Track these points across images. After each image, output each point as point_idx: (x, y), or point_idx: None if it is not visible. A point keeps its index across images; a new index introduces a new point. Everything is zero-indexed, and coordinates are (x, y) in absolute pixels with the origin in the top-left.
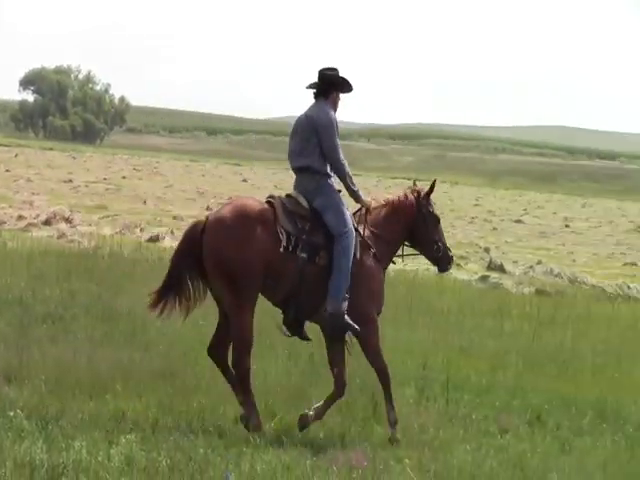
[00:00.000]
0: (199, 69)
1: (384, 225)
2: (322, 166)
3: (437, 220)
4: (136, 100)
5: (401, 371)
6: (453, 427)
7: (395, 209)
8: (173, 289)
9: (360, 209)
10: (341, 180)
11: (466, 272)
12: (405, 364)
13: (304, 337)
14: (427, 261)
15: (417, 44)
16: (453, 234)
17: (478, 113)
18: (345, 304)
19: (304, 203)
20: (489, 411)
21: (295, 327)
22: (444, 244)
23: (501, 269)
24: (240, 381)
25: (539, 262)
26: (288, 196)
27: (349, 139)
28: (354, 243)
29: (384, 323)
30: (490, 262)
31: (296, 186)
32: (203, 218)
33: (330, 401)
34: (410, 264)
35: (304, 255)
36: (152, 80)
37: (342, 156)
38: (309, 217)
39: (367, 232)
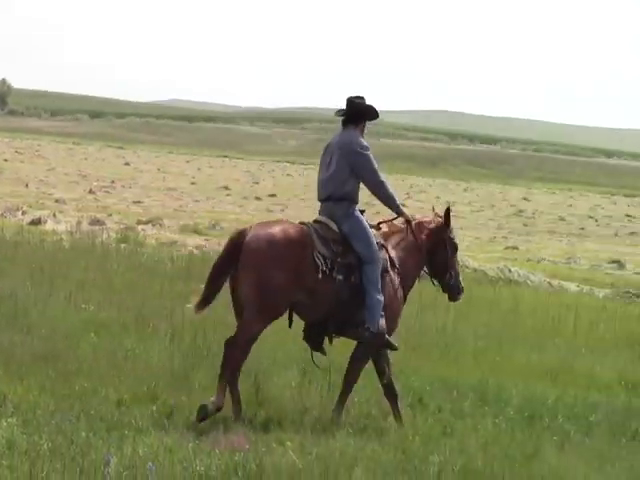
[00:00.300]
0: (83, 52)
1: (410, 247)
2: (353, 194)
3: (456, 248)
4: (19, 83)
5: (284, 355)
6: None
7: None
8: (216, 292)
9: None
10: (383, 201)
11: None
12: (288, 348)
13: (323, 352)
14: None
15: (302, 28)
16: None
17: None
18: (383, 321)
19: (334, 228)
20: (371, 394)
21: (318, 342)
22: (457, 273)
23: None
24: (224, 372)
25: None
26: (317, 222)
27: (232, 122)
28: (381, 264)
29: None
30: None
31: (322, 212)
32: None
33: (397, 412)
34: None
35: (340, 277)
36: (37, 63)
37: (382, 177)
38: (340, 240)
39: (394, 252)
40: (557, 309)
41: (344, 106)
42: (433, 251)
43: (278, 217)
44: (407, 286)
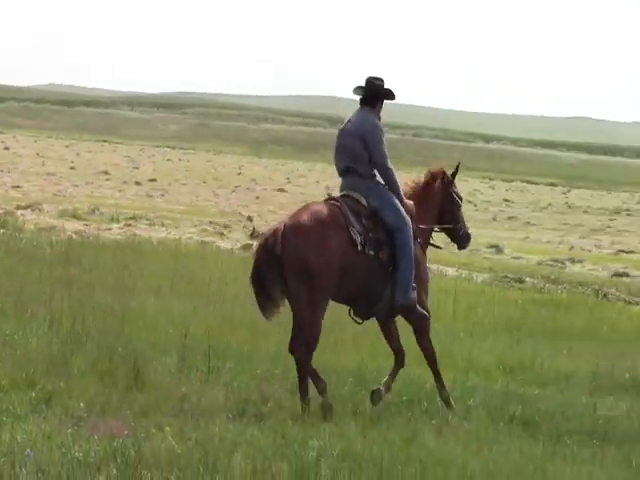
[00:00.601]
0: None
1: (420, 213)
2: (368, 170)
3: (461, 199)
4: None
5: (163, 340)
6: (215, 395)
7: (426, 195)
8: (267, 295)
9: None
10: (389, 186)
11: (229, 241)
12: (167, 333)
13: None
14: (191, 231)
15: (180, 11)
16: (216, 203)
17: (242, 82)
18: (414, 293)
19: (364, 202)
20: (251, 379)
21: (365, 314)
22: (464, 223)
23: None
24: (301, 369)
25: None
26: (345, 196)
27: (113, 107)
28: (412, 229)
29: (143, 292)
30: (253, 231)
31: (345, 187)
32: (279, 225)
33: (394, 373)
34: (173, 232)
35: (372, 252)
36: None
37: (390, 163)
38: (369, 215)
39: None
40: (436, 294)
41: (356, 85)
42: (444, 207)
43: (157, 202)
44: (425, 249)
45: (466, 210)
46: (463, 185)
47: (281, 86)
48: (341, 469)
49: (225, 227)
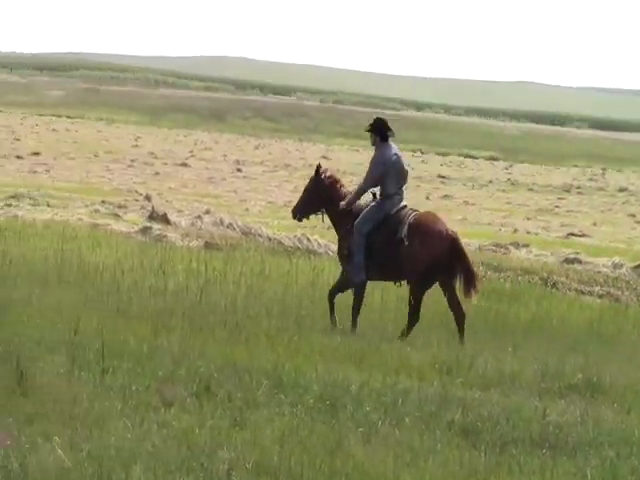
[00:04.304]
0: None
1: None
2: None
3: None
4: None
5: (50, 336)
6: (110, 400)
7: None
8: None
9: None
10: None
11: (125, 223)
12: (54, 328)
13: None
14: (81, 211)
15: None
16: (110, 180)
17: (137, 41)
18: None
19: None
20: (151, 381)
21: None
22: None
23: (165, 219)
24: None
25: (207, 211)
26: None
27: None
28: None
29: (27, 282)
30: (152, 211)
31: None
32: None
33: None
34: (61, 214)
35: None
36: None
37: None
38: None
39: None
40: None
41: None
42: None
43: (42, 179)
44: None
45: None
46: None
47: (182, 45)
48: None
49: (120, 207)
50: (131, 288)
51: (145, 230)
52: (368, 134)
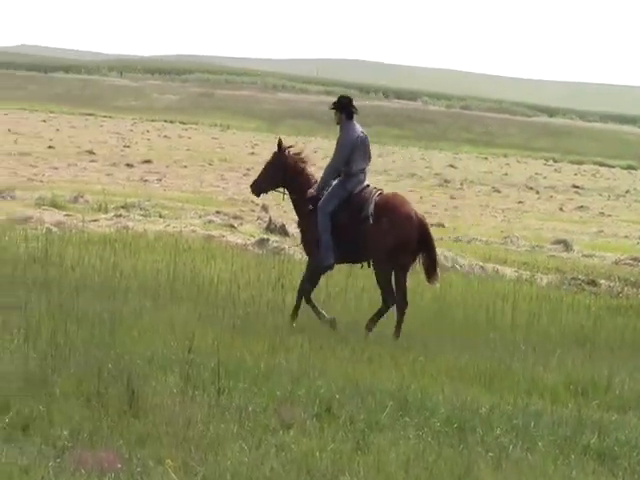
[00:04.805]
0: None
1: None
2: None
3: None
4: None
5: (162, 353)
6: (225, 421)
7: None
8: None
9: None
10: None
11: (240, 235)
12: (167, 345)
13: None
14: (194, 222)
15: None
16: (224, 189)
17: (253, 43)
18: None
19: None
20: (269, 402)
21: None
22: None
23: (283, 231)
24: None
25: None
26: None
27: (97, 73)
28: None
29: (138, 297)
30: (269, 222)
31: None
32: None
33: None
34: (173, 224)
35: None
36: None
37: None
38: None
39: None
40: (491, 299)
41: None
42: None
43: (153, 188)
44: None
45: (526, 198)
46: (522, 168)
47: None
48: None
49: (235, 218)
50: (248, 303)
51: (262, 242)
52: (498, 138)
